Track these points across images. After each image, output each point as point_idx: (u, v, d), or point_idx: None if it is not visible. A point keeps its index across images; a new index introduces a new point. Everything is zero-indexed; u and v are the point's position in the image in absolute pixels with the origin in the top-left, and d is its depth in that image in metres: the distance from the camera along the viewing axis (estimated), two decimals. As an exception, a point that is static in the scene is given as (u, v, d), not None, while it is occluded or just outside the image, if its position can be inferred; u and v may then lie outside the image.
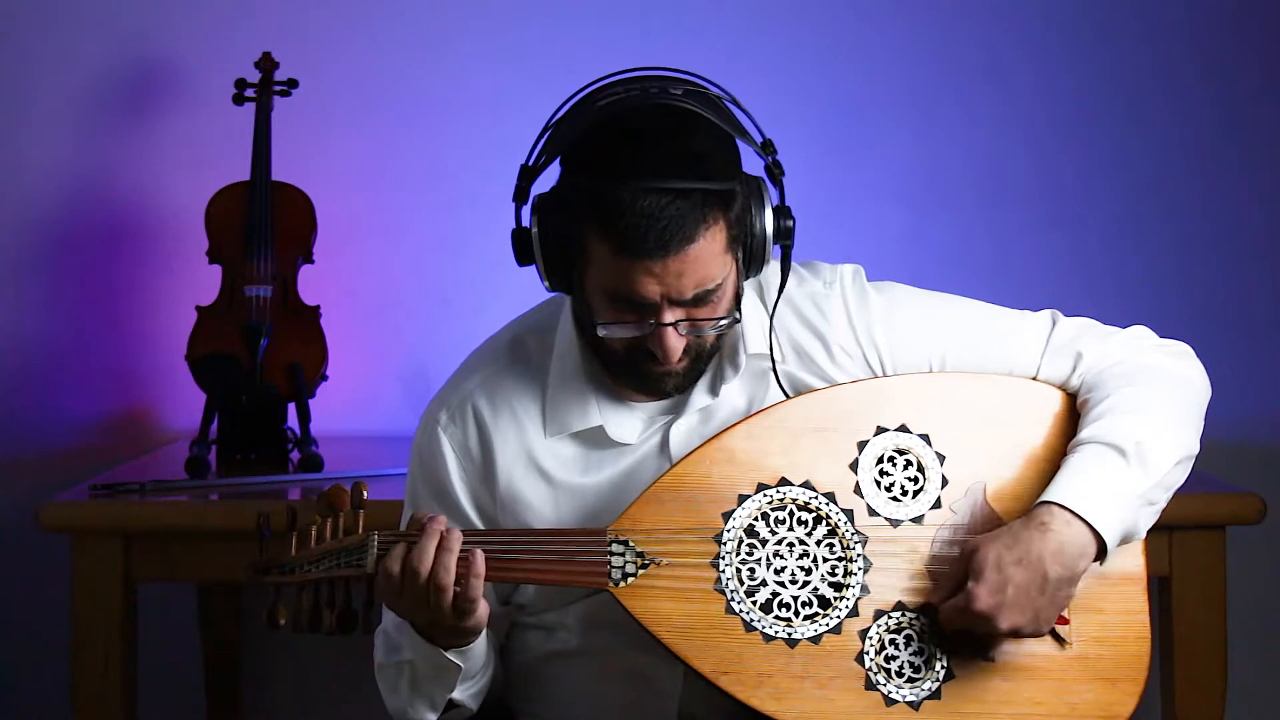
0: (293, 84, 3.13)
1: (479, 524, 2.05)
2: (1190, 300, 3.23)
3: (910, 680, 1.95)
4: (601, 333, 1.94)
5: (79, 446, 3.24)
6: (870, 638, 1.95)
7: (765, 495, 1.97)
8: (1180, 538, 2.57)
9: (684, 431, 2.03)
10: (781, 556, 1.97)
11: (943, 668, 1.95)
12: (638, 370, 1.97)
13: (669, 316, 1.91)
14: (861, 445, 2.00)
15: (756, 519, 1.97)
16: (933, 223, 3.26)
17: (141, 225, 3.24)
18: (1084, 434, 1.98)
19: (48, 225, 3.25)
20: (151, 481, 2.69)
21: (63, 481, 3.03)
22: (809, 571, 1.96)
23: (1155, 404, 2.00)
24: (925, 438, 2.01)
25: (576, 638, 2.06)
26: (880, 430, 2.00)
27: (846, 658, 1.94)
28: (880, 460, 2.00)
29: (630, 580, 1.93)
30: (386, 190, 3.26)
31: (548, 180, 1.98)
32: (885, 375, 2.05)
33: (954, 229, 3.26)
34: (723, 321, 1.94)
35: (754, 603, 1.95)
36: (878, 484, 1.99)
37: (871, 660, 1.94)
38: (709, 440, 1.98)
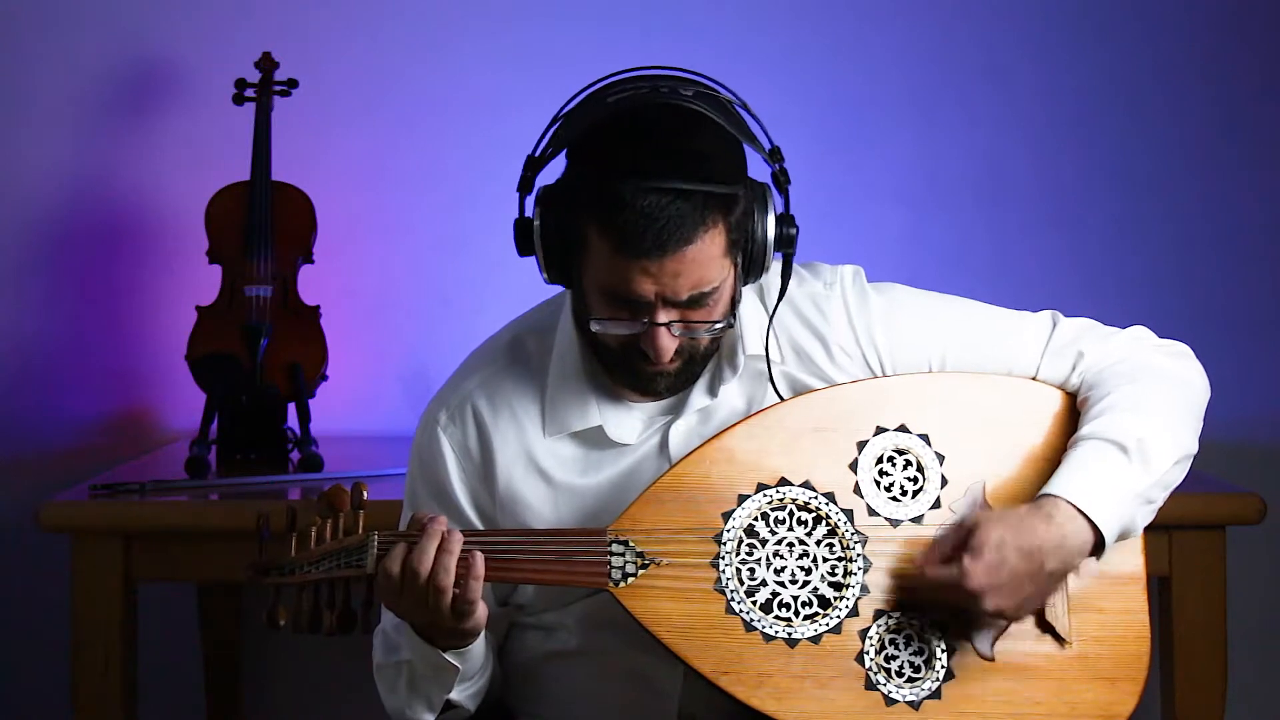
0: (293, 84, 3.13)
1: (478, 524, 2.06)
2: (1190, 300, 3.23)
3: (910, 680, 1.95)
4: (595, 328, 1.94)
5: (79, 446, 3.24)
6: (870, 637, 1.95)
7: (765, 495, 1.97)
8: (1180, 538, 2.57)
9: (683, 432, 2.03)
10: (781, 556, 1.97)
11: (943, 667, 1.95)
12: (631, 368, 1.97)
13: (663, 316, 1.91)
14: (861, 445, 2.00)
15: (756, 519, 1.97)
16: (933, 223, 3.26)
17: (141, 225, 3.24)
18: (1085, 430, 1.98)
19: (48, 225, 3.25)
20: (151, 481, 2.69)
21: (63, 481, 3.03)
22: (809, 571, 1.96)
23: (1156, 403, 2.00)
24: (925, 438, 2.01)
25: (576, 638, 2.06)
26: (880, 430, 2.00)
27: (846, 657, 1.94)
28: (880, 460, 2.00)
29: (630, 580, 1.93)
30: (386, 190, 3.26)
31: (553, 173, 1.97)
32: (885, 375, 2.05)
33: (954, 229, 3.26)
34: (717, 325, 1.94)
35: (754, 603, 1.95)
36: (877, 484, 1.99)
37: (871, 660, 1.94)
38: (708, 440, 1.98)
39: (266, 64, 3.12)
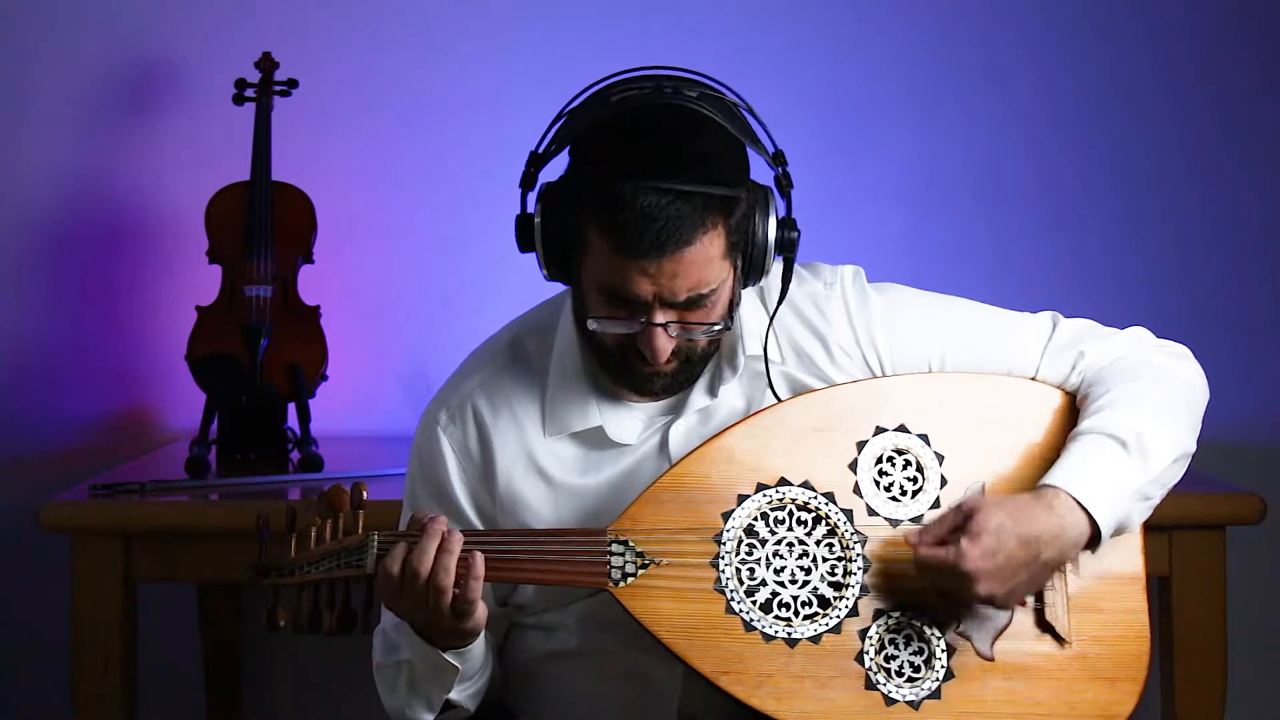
0: (293, 84, 3.13)
1: (478, 524, 2.06)
2: (1190, 300, 3.23)
3: (910, 680, 1.95)
4: (592, 326, 1.94)
5: (79, 446, 3.24)
6: (870, 637, 1.95)
7: (764, 495, 1.97)
8: (1180, 538, 2.57)
9: (683, 432, 2.03)
10: (781, 556, 1.97)
11: (942, 667, 1.95)
12: (627, 368, 1.97)
13: (660, 317, 1.91)
14: (860, 445, 2.00)
15: (756, 519, 1.97)
16: (933, 223, 3.26)
17: (141, 225, 3.24)
18: (1084, 425, 1.98)
19: (48, 225, 3.25)
20: (151, 481, 2.69)
21: (63, 481, 3.03)
22: (809, 571, 1.96)
23: (1156, 400, 2.00)
24: (924, 438, 2.01)
25: (576, 638, 2.06)
26: (879, 430, 2.00)
27: (846, 657, 1.94)
28: (879, 460, 2.00)
29: (630, 580, 1.93)
30: (386, 190, 3.26)
31: (556, 169, 1.98)
32: (884, 376, 2.05)
33: (954, 229, 3.26)
34: (715, 327, 1.94)
35: (754, 602, 1.95)
36: (877, 484, 1.99)
37: (871, 660, 1.94)
38: (708, 440, 1.98)
39: (266, 64, 3.12)
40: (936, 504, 1.99)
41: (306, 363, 2.99)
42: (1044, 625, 1.97)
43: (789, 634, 1.94)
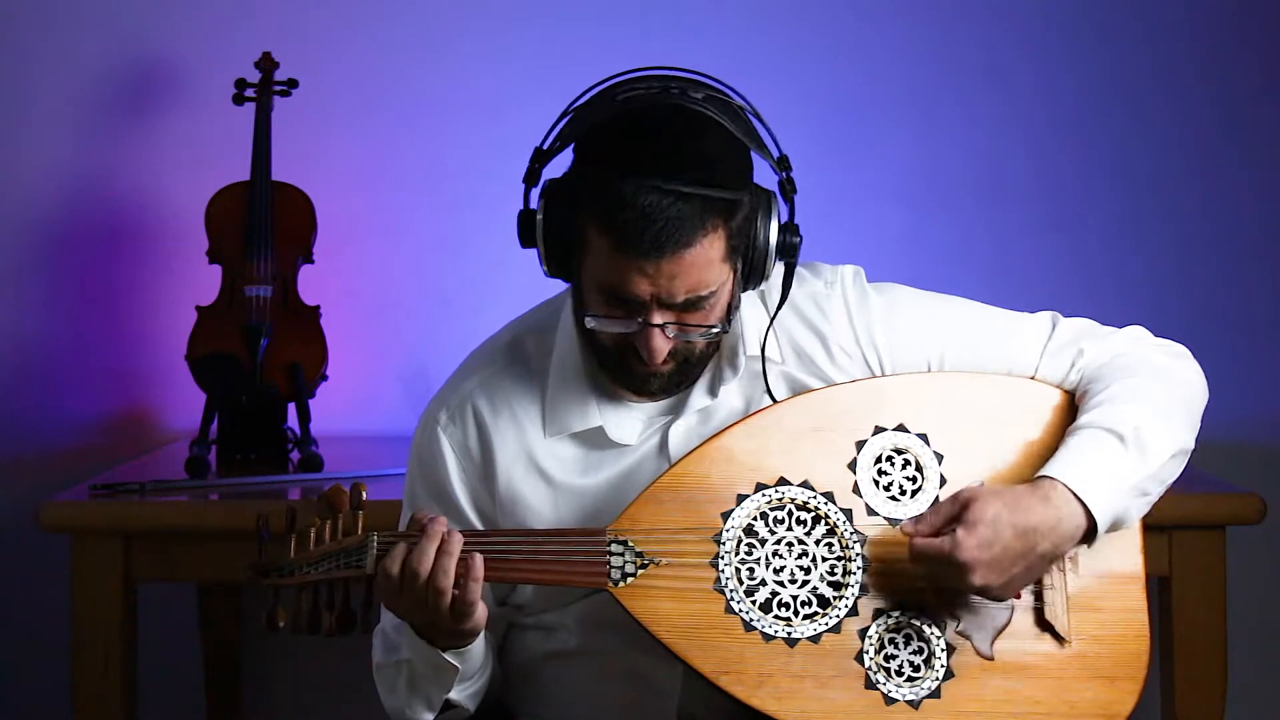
0: (293, 84, 3.13)
1: (478, 524, 2.06)
2: (1190, 300, 3.23)
3: (910, 679, 1.95)
4: (590, 324, 1.94)
5: (79, 446, 3.24)
6: (870, 637, 1.95)
7: (764, 495, 1.97)
8: (1180, 538, 2.57)
9: (683, 432, 2.03)
10: (780, 556, 1.97)
11: (942, 666, 1.95)
12: (624, 367, 1.97)
13: (658, 318, 1.91)
14: (860, 445, 2.00)
15: (755, 519, 1.97)
16: (933, 223, 3.26)
17: (141, 225, 3.24)
18: (1083, 419, 1.98)
19: (48, 225, 3.25)
20: (151, 481, 2.69)
21: (63, 481, 3.03)
22: (808, 571, 1.96)
23: (1154, 396, 2.00)
24: (923, 437, 2.01)
25: (576, 638, 2.06)
26: (878, 430, 2.00)
27: (846, 657, 1.94)
28: (878, 460, 2.00)
29: (630, 580, 1.93)
30: (386, 190, 3.26)
31: (559, 166, 1.98)
32: (884, 375, 2.05)
33: (954, 229, 3.26)
34: (713, 330, 1.94)
35: (753, 602, 1.95)
36: (876, 483, 1.99)
37: (871, 659, 1.94)
38: (708, 440, 1.98)
39: (266, 64, 3.12)
40: (935, 503, 1.99)
41: (306, 363, 2.99)
42: (1043, 624, 1.97)
43: (789, 634, 1.94)
